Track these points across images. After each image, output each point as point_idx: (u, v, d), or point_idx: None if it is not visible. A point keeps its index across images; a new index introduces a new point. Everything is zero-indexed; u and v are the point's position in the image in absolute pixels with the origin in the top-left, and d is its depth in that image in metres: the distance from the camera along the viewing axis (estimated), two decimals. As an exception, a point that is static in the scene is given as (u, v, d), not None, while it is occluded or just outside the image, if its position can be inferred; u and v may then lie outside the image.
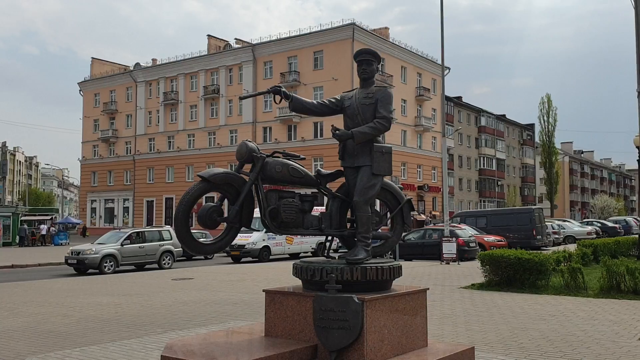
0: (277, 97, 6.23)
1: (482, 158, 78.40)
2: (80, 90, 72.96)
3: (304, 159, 6.46)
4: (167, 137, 63.47)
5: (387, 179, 6.62)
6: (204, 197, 6.24)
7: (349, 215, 6.46)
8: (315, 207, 6.61)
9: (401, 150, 59.02)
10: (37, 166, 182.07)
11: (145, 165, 64.68)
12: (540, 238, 27.37)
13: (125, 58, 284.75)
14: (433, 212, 61.35)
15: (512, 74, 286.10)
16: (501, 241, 25.49)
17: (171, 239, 21.90)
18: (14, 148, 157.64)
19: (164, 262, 21.87)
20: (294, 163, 6.20)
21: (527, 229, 27.21)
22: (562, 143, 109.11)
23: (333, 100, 6.42)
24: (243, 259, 25.31)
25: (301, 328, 5.83)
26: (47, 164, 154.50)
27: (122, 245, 20.73)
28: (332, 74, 53.27)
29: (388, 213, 6.67)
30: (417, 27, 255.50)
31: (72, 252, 20.84)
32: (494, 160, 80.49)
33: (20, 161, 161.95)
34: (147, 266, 21.89)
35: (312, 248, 28.30)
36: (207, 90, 59.90)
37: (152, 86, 65.39)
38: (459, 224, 28.26)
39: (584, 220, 59.54)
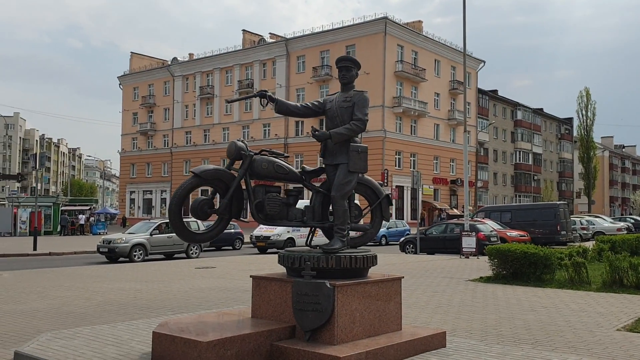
0: (264, 101, 6.83)
1: (517, 152, 77.55)
2: (120, 84, 75.02)
3: (288, 156, 7.04)
4: (202, 131, 64.87)
5: (367, 175, 7.19)
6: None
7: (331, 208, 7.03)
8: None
9: (433, 144, 59.02)
10: (80, 157, 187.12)
11: (182, 158, 66.24)
12: (565, 234, 27.30)
13: (165, 52, 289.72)
14: (467, 207, 61.17)
15: (554, 66, 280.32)
16: (524, 236, 25.56)
17: (198, 229, 22.76)
18: (58, 140, 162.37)
19: (191, 251, 22.80)
20: (279, 160, 6.81)
21: (552, 225, 27.19)
22: (602, 137, 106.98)
23: (316, 103, 6.98)
24: (269, 250, 26.11)
25: (282, 310, 6.43)
26: (89, 156, 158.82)
27: (151, 234, 21.69)
28: (363, 68, 53.14)
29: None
30: (457, 19, 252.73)
31: (103, 241, 21.92)
32: (530, 155, 79.51)
33: (64, 152, 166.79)
34: (175, 255, 22.84)
35: (337, 240, 28.80)
36: (242, 84, 60.96)
37: (189, 80, 66.85)
38: (483, 218, 28.41)
39: (619, 216, 58.54)
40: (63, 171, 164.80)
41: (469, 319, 8.95)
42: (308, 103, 7.02)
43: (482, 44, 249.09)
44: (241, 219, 6.89)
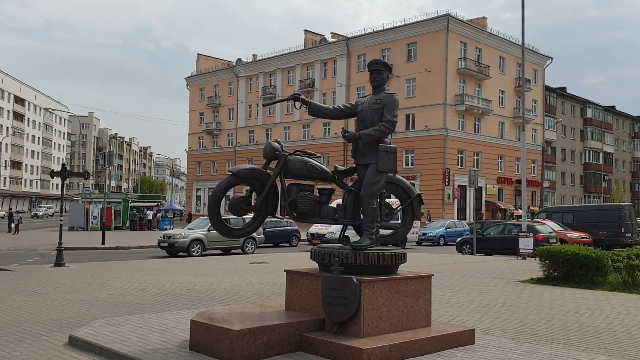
0: (297, 104, 7.15)
1: (587, 151, 74.90)
2: (187, 85, 77.30)
3: (320, 156, 7.32)
4: (265, 130, 66.05)
5: (399, 176, 7.39)
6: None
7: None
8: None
9: (498, 142, 57.83)
10: (151, 156, 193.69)
11: (246, 156, 67.65)
12: (630, 236, 26.32)
13: (232, 53, 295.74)
14: (531, 208, 59.63)
15: (630, 62, 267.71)
16: (585, 238, 24.87)
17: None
18: (130, 139, 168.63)
19: (247, 247, 23.49)
20: (312, 160, 7.11)
21: (616, 226, 26.29)
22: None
23: (348, 105, 7.24)
24: (325, 249, 26.47)
25: (313, 303, 6.73)
26: (159, 154, 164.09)
27: (208, 230, 22.47)
28: (425, 66, 53.13)
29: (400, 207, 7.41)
30: (527, 14, 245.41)
31: (164, 236, 22.87)
32: (600, 154, 76.62)
33: (135, 151, 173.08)
34: (232, 251, 23.56)
35: (392, 240, 28.84)
36: (303, 84, 61.66)
37: (252, 81, 68.17)
38: (544, 219, 27.79)
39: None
40: (135, 169, 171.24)
41: (507, 319, 8.98)
42: (340, 105, 7.29)
43: (553, 40, 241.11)
44: (277, 215, 7.24)
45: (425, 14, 63.01)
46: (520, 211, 57.39)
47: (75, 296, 11.08)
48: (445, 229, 34.52)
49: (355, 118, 7.24)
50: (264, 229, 27.41)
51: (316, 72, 61.31)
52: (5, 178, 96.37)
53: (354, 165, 7.25)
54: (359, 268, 6.51)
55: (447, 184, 51.78)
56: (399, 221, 7.51)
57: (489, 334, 7.72)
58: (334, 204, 7.28)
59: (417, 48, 54.15)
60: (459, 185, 52.74)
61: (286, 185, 6.99)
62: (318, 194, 7.16)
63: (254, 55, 69.67)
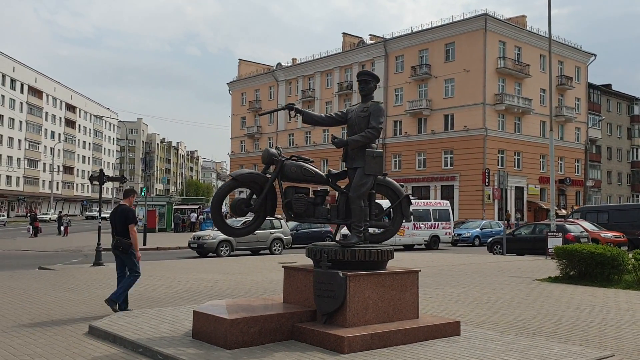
0: (292, 112, 7.74)
1: (635, 149, 72.95)
2: (229, 90, 78.95)
3: (312, 161, 7.88)
4: (304, 133, 66.91)
5: (389, 178, 7.88)
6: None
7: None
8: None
9: (540, 142, 56.97)
10: (198, 159, 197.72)
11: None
12: (668, 235, 25.87)
13: (277, 56, 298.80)
14: (575, 207, 58.59)
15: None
16: (619, 237, 24.61)
17: (281, 227, 24.18)
18: (177, 143, 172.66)
19: (274, 248, 24.20)
20: (306, 165, 7.68)
21: (652, 225, 25.89)
22: None
23: (339, 113, 7.80)
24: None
25: (306, 296, 7.30)
26: (204, 158, 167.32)
27: None
28: (463, 66, 52.94)
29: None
30: (574, 10, 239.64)
31: (194, 237, 23.80)
32: (649, 152, 74.46)
33: (182, 155, 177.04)
34: (261, 252, 24.31)
35: (425, 241, 29.15)
36: (341, 86, 62.26)
37: (292, 84, 69.19)
38: (578, 219, 27.58)
39: None
40: (182, 172, 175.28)
41: (506, 314, 9.32)
42: (332, 114, 7.86)
43: (601, 36, 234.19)
44: (275, 216, 7.84)
45: (463, 13, 62.78)
46: (563, 211, 56.63)
47: (106, 292, 11.89)
48: (481, 229, 34.51)
49: (347, 125, 7.76)
50: (297, 230, 28.04)
51: (354, 75, 61.53)
52: (58, 183, 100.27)
53: (346, 169, 7.77)
54: (347, 264, 7.04)
55: (487, 184, 51.42)
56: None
57: (480, 327, 8.11)
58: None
59: (455, 48, 53.99)
60: (499, 186, 52.29)
61: (283, 188, 7.59)
62: (313, 196, 7.72)
63: (294, 59, 70.68)
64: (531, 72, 55.52)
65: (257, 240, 23.57)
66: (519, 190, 55.25)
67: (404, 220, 8.01)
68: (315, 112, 61.30)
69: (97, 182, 17.63)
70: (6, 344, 7.16)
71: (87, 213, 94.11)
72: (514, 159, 54.92)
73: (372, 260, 7.13)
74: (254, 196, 7.65)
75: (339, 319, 6.84)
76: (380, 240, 7.85)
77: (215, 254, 22.81)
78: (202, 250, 23.12)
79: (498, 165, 52.77)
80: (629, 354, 6.63)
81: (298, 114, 7.72)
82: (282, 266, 7.89)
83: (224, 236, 23.04)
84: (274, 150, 7.64)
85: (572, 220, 26.45)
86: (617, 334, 7.75)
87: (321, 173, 7.73)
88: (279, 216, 8.01)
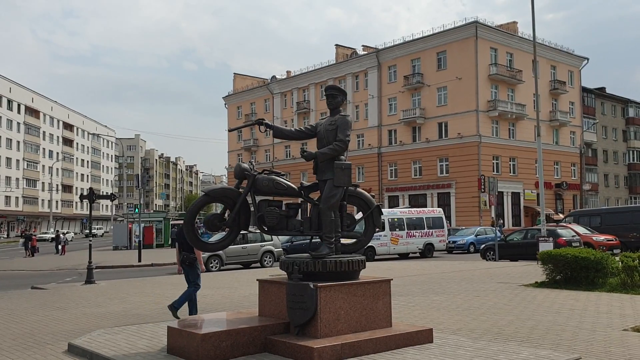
0: (262, 127, 7.89)
1: (631, 151, 73.12)
2: (225, 104, 79.28)
3: (284, 175, 8.01)
4: (301, 144, 67.07)
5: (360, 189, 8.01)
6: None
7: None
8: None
9: (534, 147, 56.70)
10: (197, 174, 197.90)
11: (283, 171, 68.84)
12: (660, 237, 25.95)
13: (274, 69, 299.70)
14: (572, 212, 58.63)
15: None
16: (611, 240, 24.69)
17: (272, 240, 24.17)
18: (176, 158, 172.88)
19: (265, 261, 24.18)
20: (278, 178, 7.81)
21: (645, 228, 25.97)
22: None
23: (309, 127, 7.95)
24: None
25: (281, 309, 7.39)
26: (203, 172, 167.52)
27: None
28: (455, 74, 53.23)
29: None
30: (570, 14, 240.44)
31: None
32: (645, 154, 74.65)
33: (181, 170, 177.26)
34: (252, 265, 24.33)
35: (419, 249, 29.22)
36: (336, 97, 62.55)
37: (287, 97, 69.53)
38: (570, 223, 27.67)
39: None
40: (182, 187, 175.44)
41: (485, 320, 9.40)
42: (302, 127, 8.02)
43: (596, 39, 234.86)
44: (249, 229, 7.96)
45: (454, 21, 63.19)
46: (561, 215, 56.66)
47: (93, 310, 12.04)
48: (475, 236, 34.57)
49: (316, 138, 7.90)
50: (292, 242, 28.05)
51: (348, 85, 62.10)
52: (57, 201, 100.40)
53: (317, 181, 7.89)
54: (318, 275, 7.15)
55: (482, 190, 51.52)
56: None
57: (456, 334, 8.21)
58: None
59: (447, 56, 54.32)
60: (489, 192, 52.38)
61: (257, 201, 7.71)
62: (286, 209, 7.84)
63: (288, 72, 71.06)
64: (524, 77, 55.80)
65: (248, 254, 23.61)
66: (516, 196, 55.35)
67: (376, 230, 8.12)
68: (312, 123, 62.09)
69: (87, 200, 17.74)
70: (-16, 365, 7.26)
71: (87, 231, 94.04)
72: (510, 164, 55.06)
73: (343, 271, 7.23)
74: (228, 211, 7.76)
75: (311, 330, 6.94)
76: (352, 251, 7.96)
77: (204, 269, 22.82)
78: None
79: (493, 171, 52.90)
80: (596, 356, 6.72)
81: (268, 129, 7.84)
82: (257, 279, 7.99)
83: (213, 251, 23.14)
84: (245, 165, 7.78)
85: (564, 224, 26.52)
86: (589, 337, 7.85)
87: (293, 186, 7.86)
88: (253, 229, 8.09)
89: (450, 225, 46.46)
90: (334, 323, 6.99)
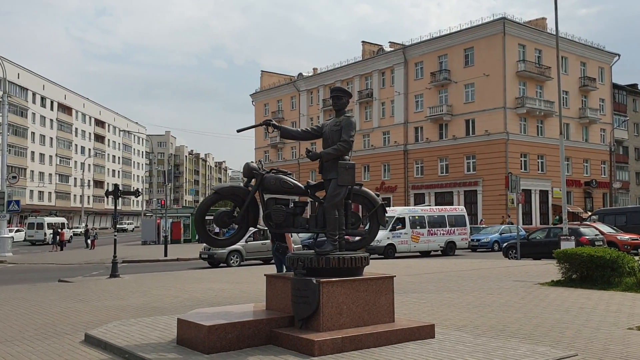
0: (270, 128, 8.14)
1: (664, 149, 71.48)
2: (252, 102, 79.95)
3: (291, 174, 8.25)
4: (310, 144, 67.40)
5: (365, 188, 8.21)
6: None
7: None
8: None
9: (564, 144, 56.40)
10: (226, 170, 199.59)
11: (308, 168, 69.12)
12: (689, 237, 25.53)
13: (302, 66, 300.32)
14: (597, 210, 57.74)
15: None
16: (636, 240, 24.41)
17: (291, 236, 24.30)
18: (205, 155, 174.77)
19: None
20: (285, 177, 8.05)
21: (672, 227, 25.60)
22: None
23: (315, 127, 8.18)
24: (371, 256, 27.10)
25: (286, 303, 7.64)
26: (232, 169, 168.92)
27: (246, 241, 23.66)
28: (483, 70, 52.87)
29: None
30: (604, 9, 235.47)
31: (204, 248, 24.29)
32: (679, 151, 72.93)
33: (211, 166, 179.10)
34: (272, 261, 24.57)
35: (441, 247, 29.23)
36: (362, 94, 62.61)
37: (313, 94, 69.83)
38: (595, 222, 27.39)
39: None
40: (211, 183, 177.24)
41: (492, 317, 9.51)
42: (308, 128, 8.25)
43: (630, 35, 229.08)
44: (258, 226, 8.24)
45: (481, 18, 62.64)
46: (589, 213, 55.86)
47: (114, 303, 12.46)
48: (500, 234, 34.37)
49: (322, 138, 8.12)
50: (315, 239, 28.29)
51: (374, 82, 62.13)
52: (89, 197, 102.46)
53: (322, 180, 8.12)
54: (322, 271, 7.38)
55: (509, 189, 51.08)
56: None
57: (460, 330, 8.34)
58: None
59: (475, 52, 53.98)
60: (523, 190, 51.85)
61: (265, 199, 7.98)
62: (293, 207, 8.09)
63: (314, 69, 71.34)
64: (553, 74, 55.01)
65: (267, 250, 23.89)
66: (544, 194, 54.75)
67: (380, 227, 8.31)
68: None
69: (112, 196, 18.26)
70: (5, 352, 7.66)
71: (118, 226, 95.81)
72: (538, 162, 54.49)
73: (347, 267, 7.44)
74: (237, 208, 8.04)
75: (313, 324, 7.16)
76: (357, 248, 8.16)
77: (225, 264, 23.28)
78: (213, 261, 23.63)
79: (521, 169, 52.39)
80: (594, 354, 6.81)
81: (275, 130, 8.09)
82: (264, 274, 8.26)
83: (233, 246, 23.43)
84: (254, 164, 8.05)
85: (587, 223, 26.27)
86: (591, 334, 7.92)
87: (300, 185, 8.10)
88: (261, 227, 8.37)
89: (479, 223, 46.22)
90: (336, 317, 7.21)
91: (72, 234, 60.73)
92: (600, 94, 60.57)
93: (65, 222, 63.52)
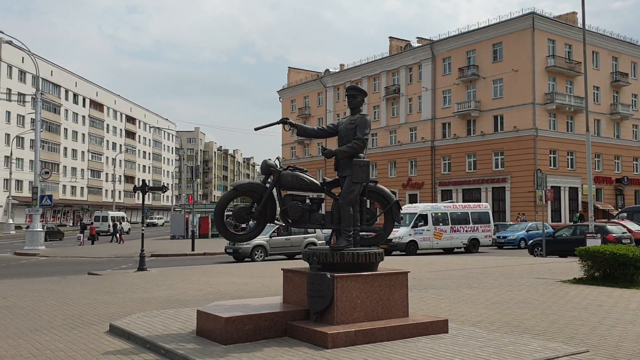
0: (287, 127, 8.34)
1: (700, 145, 69.74)
2: (279, 98, 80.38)
3: (306, 171, 8.42)
4: (324, 142, 67.52)
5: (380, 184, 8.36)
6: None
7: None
8: None
9: (594, 140, 55.06)
10: (254, 166, 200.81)
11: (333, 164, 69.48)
12: None
13: (330, 62, 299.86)
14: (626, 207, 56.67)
15: None
16: (666, 238, 24.00)
17: (314, 232, 24.59)
18: (234, 151, 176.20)
19: None
20: (301, 174, 8.25)
21: (703, 225, 25.10)
22: None
23: (331, 125, 8.36)
24: (393, 252, 27.22)
25: (302, 297, 7.84)
26: (259, 164, 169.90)
27: (270, 237, 23.92)
28: (512, 66, 52.25)
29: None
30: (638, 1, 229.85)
31: (229, 243, 24.64)
32: None
33: (239, 162, 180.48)
34: (296, 256, 24.85)
35: (464, 244, 29.12)
36: (389, 90, 62.46)
37: (340, 90, 69.84)
38: (624, 219, 27.02)
39: None
40: (239, 179, 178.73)
41: (508, 313, 9.57)
42: (324, 126, 8.45)
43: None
44: (275, 222, 8.47)
45: (510, 12, 61.88)
46: (619, 211, 54.84)
47: (140, 295, 12.83)
48: (527, 231, 34.05)
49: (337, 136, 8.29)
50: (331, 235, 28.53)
51: (401, 78, 61.91)
52: (120, 192, 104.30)
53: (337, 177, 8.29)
54: (337, 266, 7.55)
55: (540, 185, 50.49)
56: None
57: (475, 325, 8.44)
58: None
59: (503, 48, 53.35)
60: (552, 187, 51.21)
61: (282, 196, 8.19)
62: (309, 203, 8.28)
63: (341, 65, 71.38)
64: (582, 69, 54.09)
65: (292, 245, 24.20)
66: (573, 191, 53.99)
67: (394, 223, 8.44)
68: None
69: (140, 192, 18.71)
70: (34, 340, 8.02)
71: (148, 221, 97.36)
72: (567, 158, 53.72)
73: (361, 263, 7.60)
74: (255, 204, 8.26)
75: (328, 317, 7.35)
76: (372, 244, 8.30)
77: (250, 259, 23.61)
78: (238, 256, 23.95)
79: (550, 165, 51.75)
80: (605, 350, 6.86)
81: (292, 127, 8.27)
82: (282, 269, 8.47)
83: (258, 241, 23.75)
84: (271, 162, 8.25)
85: (615, 221, 25.92)
86: (606, 332, 7.95)
87: (316, 181, 8.28)
88: (277, 223, 8.59)
89: (516, 220, 45.81)
90: (350, 311, 7.38)
91: (129, 228, 65.29)
92: (632, 89, 59.34)
93: (124, 216, 69.30)
